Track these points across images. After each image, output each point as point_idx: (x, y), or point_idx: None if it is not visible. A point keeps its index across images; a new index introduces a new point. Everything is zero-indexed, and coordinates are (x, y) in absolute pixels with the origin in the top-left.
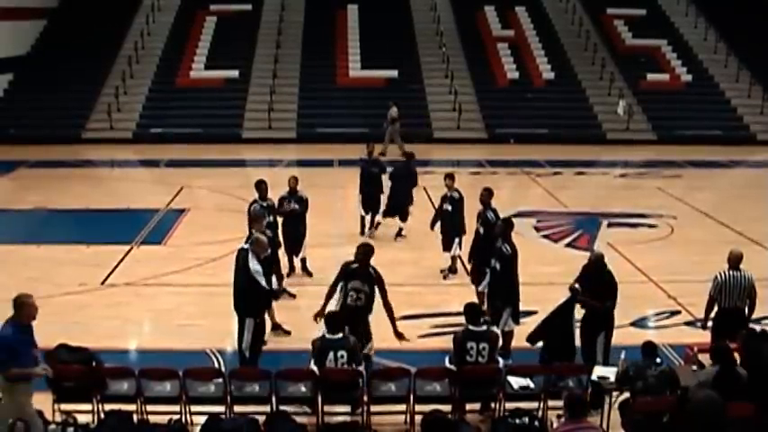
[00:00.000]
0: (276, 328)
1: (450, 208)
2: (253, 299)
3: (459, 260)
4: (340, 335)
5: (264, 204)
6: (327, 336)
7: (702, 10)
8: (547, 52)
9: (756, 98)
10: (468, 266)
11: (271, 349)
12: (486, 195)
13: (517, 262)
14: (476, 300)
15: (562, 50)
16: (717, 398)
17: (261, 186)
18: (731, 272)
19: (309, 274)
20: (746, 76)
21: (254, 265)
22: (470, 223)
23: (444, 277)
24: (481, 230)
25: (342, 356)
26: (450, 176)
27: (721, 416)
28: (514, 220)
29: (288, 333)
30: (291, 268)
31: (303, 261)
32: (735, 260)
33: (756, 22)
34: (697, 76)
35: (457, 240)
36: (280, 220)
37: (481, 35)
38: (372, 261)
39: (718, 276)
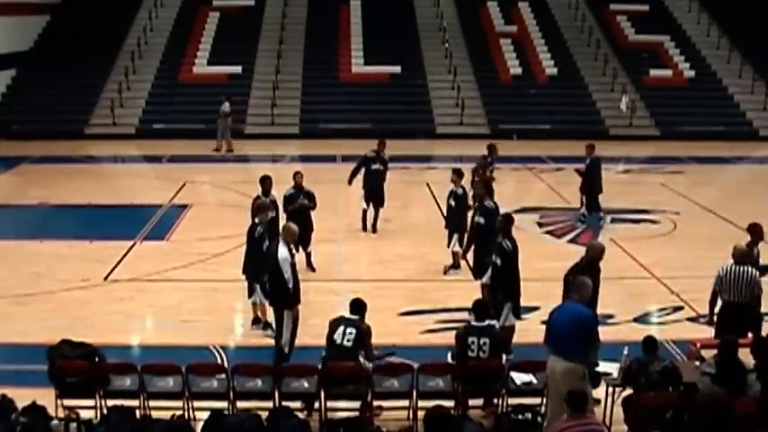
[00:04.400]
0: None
1: (453, 204)
2: (284, 288)
3: (460, 256)
4: (357, 317)
5: (268, 200)
6: (346, 316)
7: (705, 6)
8: (550, 48)
9: (759, 94)
10: (470, 260)
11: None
12: (482, 188)
13: (518, 257)
14: (480, 294)
15: (565, 46)
16: (723, 393)
17: (265, 182)
18: (734, 267)
19: (313, 269)
20: (749, 72)
21: (282, 252)
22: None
23: (444, 272)
24: (482, 221)
25: (350, 333)
26: (456, 172)
27: (727, 412)
28: (518, 215)
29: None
30: None
31: (308, 256)
32: (739, 255)
33: (759, 18)
34: (700, 71)
35: (456, 236)
36: (281, 215)
37: (484, 31)
38: (374, 258)
39: (720, 270)
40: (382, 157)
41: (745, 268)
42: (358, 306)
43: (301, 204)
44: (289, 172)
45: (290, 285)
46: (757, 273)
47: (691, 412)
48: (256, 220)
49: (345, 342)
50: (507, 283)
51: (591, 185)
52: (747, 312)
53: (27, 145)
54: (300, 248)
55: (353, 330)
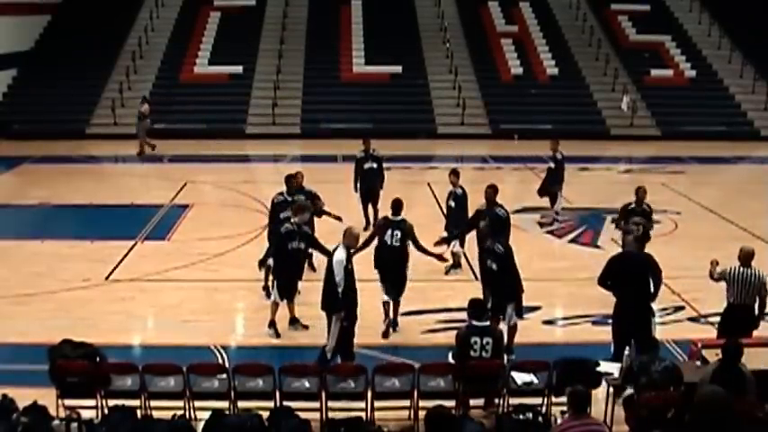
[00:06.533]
0: (294, 321)
1: (453, 204)
2: (333, 291)
3: (463, 256)
4: (400, 218)
5: (290, 199)
6: (391, 218)
7: (706, 5)
8: (551, 48)
9: (760, 94)
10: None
11: (278, 344)
12: (492, 193)
13: (513, 258)
14: (481, 296)
15: (566, 46)
16: (724, 393)
17: (291, 180)
18: (741, 269)
19: (314, 269)
20: (750, 72)
21: (339, 254)
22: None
23: (446, 273)
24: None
25: (396, 234)
26: (454, 172)
27: (728, 411)
28: (519, 215)
29: (306, 327)
30: None
31: (310, 256)
32: (745, 257)
33: (760, 18)
34: (701, 71)
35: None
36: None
37: (485, 30)
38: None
39: (728, 270)
40: (373, 155)
41: (752, 270)
42: (398, 206)
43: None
44: (290, 172)
45: (340, 289)
46: (764, 274)
47: (691, 412)
48: (293, 219)
49: (394, 243)
50: (508, 285)
51: (560, 182)
52: (750, 313)
53: (28, 145)
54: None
55: (399, 232)
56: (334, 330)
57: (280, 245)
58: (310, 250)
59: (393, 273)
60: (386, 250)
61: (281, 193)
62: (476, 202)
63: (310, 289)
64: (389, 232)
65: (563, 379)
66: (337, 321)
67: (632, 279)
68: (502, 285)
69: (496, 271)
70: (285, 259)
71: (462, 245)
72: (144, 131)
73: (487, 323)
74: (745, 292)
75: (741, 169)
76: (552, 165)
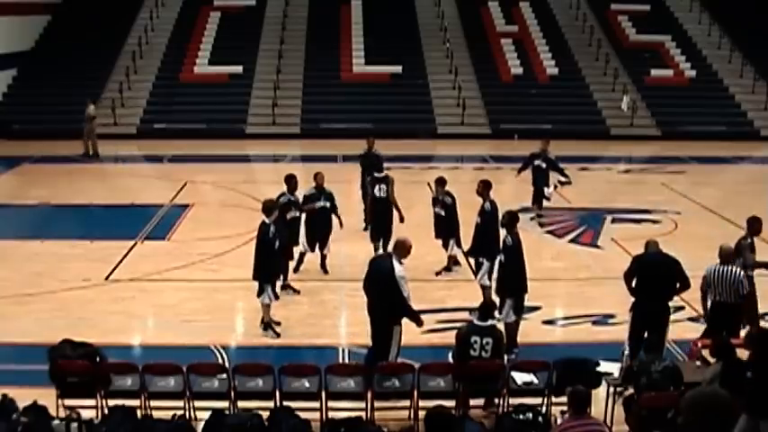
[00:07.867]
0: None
1: (443, 213)
2: (402, 305)
3: (458, 258)
4: (383, 174)
5: (292, 199)
6: (376, 175)
7: (706, 5)
8: (551, 48)
9: (760, 94)
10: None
11: (278, 344)
12: (482, 187)
13: (522, 254)
14: (480, 296)
15: (566, 46)
16: (723, 393)
17: (291, 181)
18: (719, 266)
19: (326, 272)
20: (750, 72)
21: (398, 269)
22: (471, 219)
23: (437, 274)
24: (478, 220)
25: (383, 188)
26: (439, 181)
27: (729, 411)
28: (519, 215)
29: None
30: (300, 264)
31: (324, 257)
32: (725, 255)
33: (760, 18)
34: (701, 71)
35: (453, 241)
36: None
37: (485, 31)
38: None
39: (706, 270)
40: (375, 154)
41: (729, 268)
42: (380, 164)
43: (310, 209)
44: (289, 172)
45: (411, 303)
46: (742, 272)
47: (692, 412)
48: (266, 221)
49: (381, 194)
50: (510, 280)
51: (547, 181)
52: (734, 311)
53: (28, 145)
54: (317, 249)
55: (384, 185)
56: (397, 339)
57: (272, 250)
58: (326, 252)
59: (381, 219)
60: (375, 201)
61: (284, 194)
62: (474, 201)
63: (320, 289)
64: (377, 186)
65: (563, 379)
66: (399, 332)
67: (649, 280)
68: (505, 278)
69: (503, 263)
70: (276, 261)
71: (459, 245)
72: (89, 134)
73: (489, 323)
74: (725, 290)
75: (741, 169)
76: (543, 165)
